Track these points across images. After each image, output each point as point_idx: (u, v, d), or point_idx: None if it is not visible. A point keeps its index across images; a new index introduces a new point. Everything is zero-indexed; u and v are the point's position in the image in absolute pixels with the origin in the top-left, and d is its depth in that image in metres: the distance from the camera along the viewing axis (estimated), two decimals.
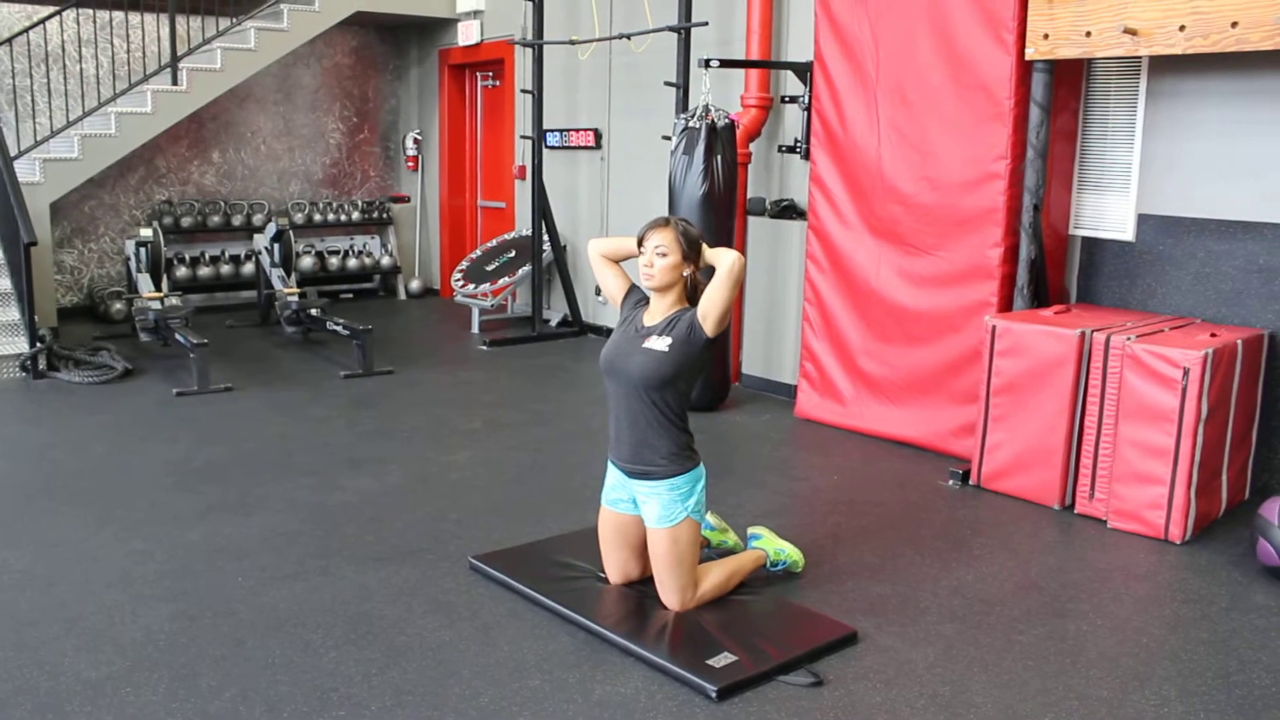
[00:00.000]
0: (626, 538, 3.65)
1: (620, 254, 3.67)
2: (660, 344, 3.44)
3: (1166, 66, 5.00)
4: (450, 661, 3.22)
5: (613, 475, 3.63)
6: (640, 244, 3.51)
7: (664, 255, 3.45)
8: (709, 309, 3.39)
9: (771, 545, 3.87)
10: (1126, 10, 4.51)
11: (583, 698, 3.02)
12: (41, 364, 6.80)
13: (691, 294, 3.55)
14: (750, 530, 3.99)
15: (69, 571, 3.83)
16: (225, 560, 3.96)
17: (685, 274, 3.51)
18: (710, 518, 3.98)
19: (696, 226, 3.61)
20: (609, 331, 8.27)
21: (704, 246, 3.53)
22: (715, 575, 3.61)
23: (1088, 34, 4.65)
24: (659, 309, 3.53)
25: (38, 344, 6.81)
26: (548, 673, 3.15)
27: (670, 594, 3.51)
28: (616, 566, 3.70)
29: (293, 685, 3.06)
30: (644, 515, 3.53)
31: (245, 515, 4.43)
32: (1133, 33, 4.49)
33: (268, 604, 3.59)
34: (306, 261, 9.83)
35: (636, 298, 3.65)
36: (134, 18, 8.90)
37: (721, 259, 3.41)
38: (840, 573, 3.95)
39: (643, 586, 3.67)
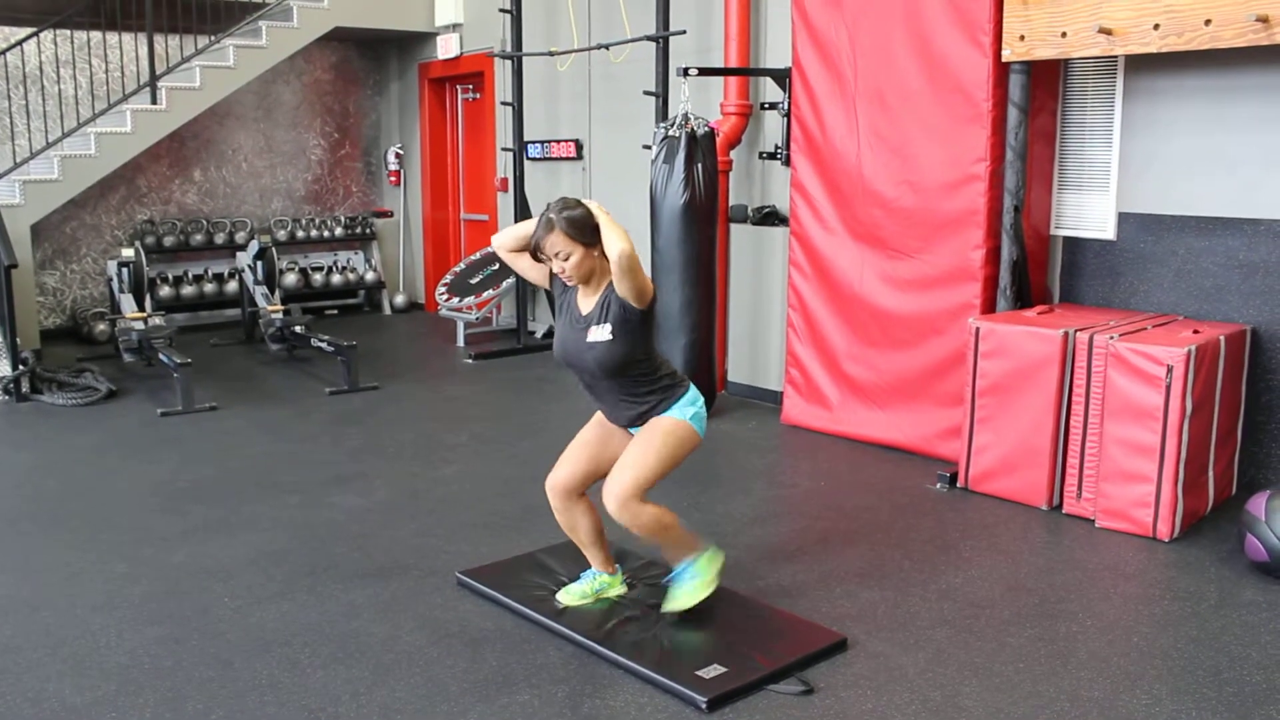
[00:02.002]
0: (606, 445, 3.55)
1: (524, 240, 3.49)
2: (603, 333, 3.37)
3: (1142, 65, 5.02)
4: (439, 678, 3.20)
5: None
6: (537, 252, 3.38)
7: (567, 258, 3.34)
8: (625, 295, 3.31)
9: (705, 562, 3.56)
10: (1101, 10, 4.53)
11: (571, 712, 3.00)
12: (24, 387, 6.76)
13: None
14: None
15: (53, 595, 3.80)
16: (211, 581, 3.93)
17: (596, 254, 3.37)
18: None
19: (578, 201, 3.38)
20: None
21: (596, 217, 3.34)
22: (661, 510, 3.43)
23: (1063, 34, 4.67)
24: (589, 290, 3.45)
25: (20, 367, 6.77)
26: (536, 687, 3.14)
27: (623, 478, 3.35)
28: (570, 468, 3.56)
29: (280, 706, 3.03)
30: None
31: (231, 535, 4.40)
32: (1108, 32, 4.51)
33: (254, 624, 3.56)
34: (290, 278, 9.80)
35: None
36: (112, 37, 8.87)
37: (609, 250, 3.25)
38: (829, 579, 3.94)
39: (643, 596, 3.62)
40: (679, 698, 3.06)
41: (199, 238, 9.60)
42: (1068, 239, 5.43)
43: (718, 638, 3.39)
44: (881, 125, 5.51)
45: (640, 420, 3.47)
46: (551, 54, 7.73)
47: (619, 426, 3.55)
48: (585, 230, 3.33)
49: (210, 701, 3.06)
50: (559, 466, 3.60)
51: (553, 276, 3.54)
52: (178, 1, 8.56)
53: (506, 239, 3.56)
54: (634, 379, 3.42)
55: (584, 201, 3.40)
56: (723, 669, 3.16)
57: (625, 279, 3.26)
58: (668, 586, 3.59)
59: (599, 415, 3.64)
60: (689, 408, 3.46)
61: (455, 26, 9.51)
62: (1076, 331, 4.58)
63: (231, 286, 9.54)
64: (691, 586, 3.52)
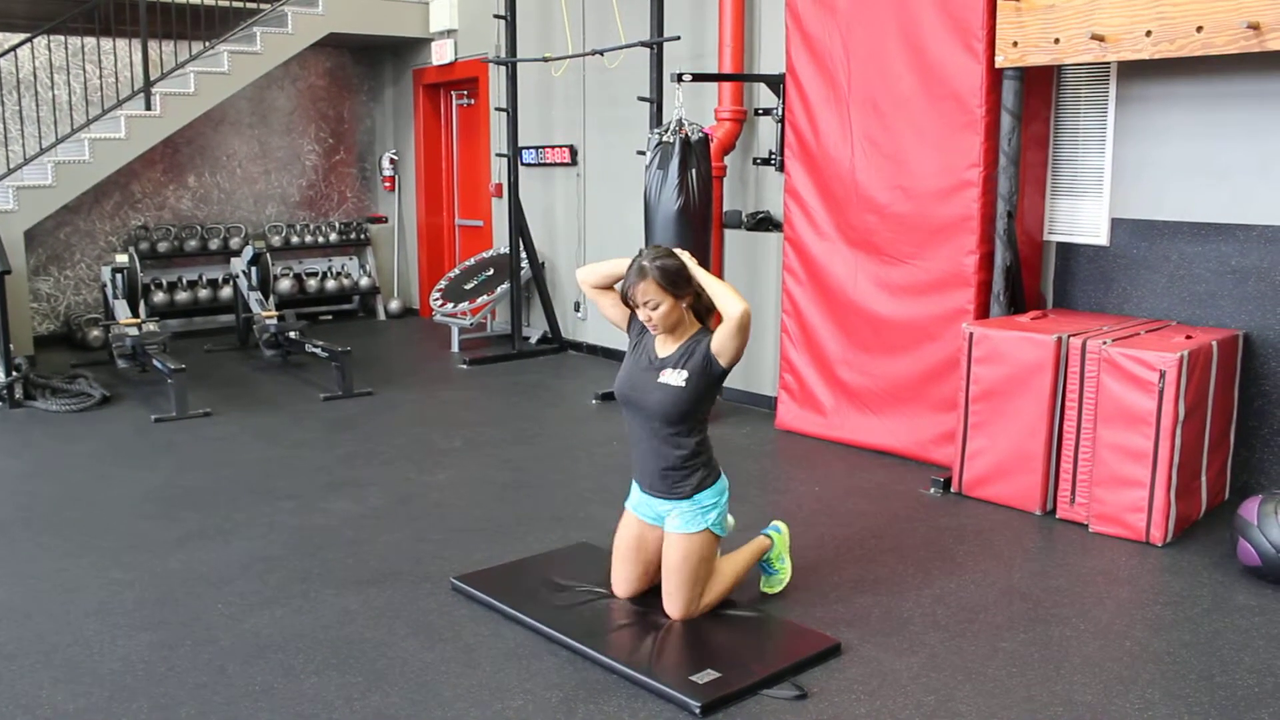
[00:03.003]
0: (644, 549, 3.63)
1: (610, 278, 3.58)
2: (677, 378, 3.42)
3: (1135, 72, 5.04)
4: (433, 684, 3.19)
5: (637, 493, 3.64)
6: (628, 299, 3.44)
7: (656, 307, 3.38)
8: (722, 352, 3.37)
9: (780, 546, 3.85)
10: (1094, 17, 4.54)
11: (565, 717, 3.00)
12: (18, 393, 6.75)
13: (698, 311, 3.51)
14: (773, 523, 3.94)
15: (46, 602, 3.79)
16: (205, 587, 3.92)
17: (684, 306, 3.45)
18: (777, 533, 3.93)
19: (670, 251, 3.46)
20: (589, 348, 8.36)
21: (690, 268, 3.42)
22: (720, 583, 3.60)
23: (1056, 41, 4.68)
24: (670, 338, 3.50)
25: (14, 373, 6.76)
26: (530, 693, 3.14)
27: (676, 604, 3.51)
28: (626, 579, 3.67)
29: (274, 712, 3.03)
30: (666, 524, 3.55)
31: (225, 541, 4.40)
32: (1100, 39, 4.53)
33: (248, 630, 3.56)
34: (284, 284, 9.80)
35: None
36: (106, 43, 8.87)
37: (728, 309, 3.32)
38: (823, 584, 3.94)
39: (642, 604, 3.65)
40: (673, 703, 3.06)
41: (193, 243, 9.60)
42: (1061, 244, 5.45)
43: (712, 643, 3.39)
44: (875, 131, 5.52)
45: (667, 491, 3.52)
46: (546, 60, 7.74)
47: (643, 516, 3.62)
48: (677, 281, 3.39)
49: (203, 707, 3.05)
50: (617, 585, 3.71)
51: (632, 318, 3.59)
52: (172, 7, 8.56)
53: (592, 276, 3.62)
54: (684, 436, 3.47)
55: (676, 252, 3.46)
56: (716, 674, 3.16)
57: (737, 337, 3.34)
58: (764, 573, 3.85)
59: (625, 518, 3.69)
60: (713, 512, 3.54)
61: (450, 33, 9.52)
62: (1070, 337, 4.59)
63: (226, 292, 9.53)
64: (778, 572, 3.83)
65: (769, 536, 3.84)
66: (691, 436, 3.49)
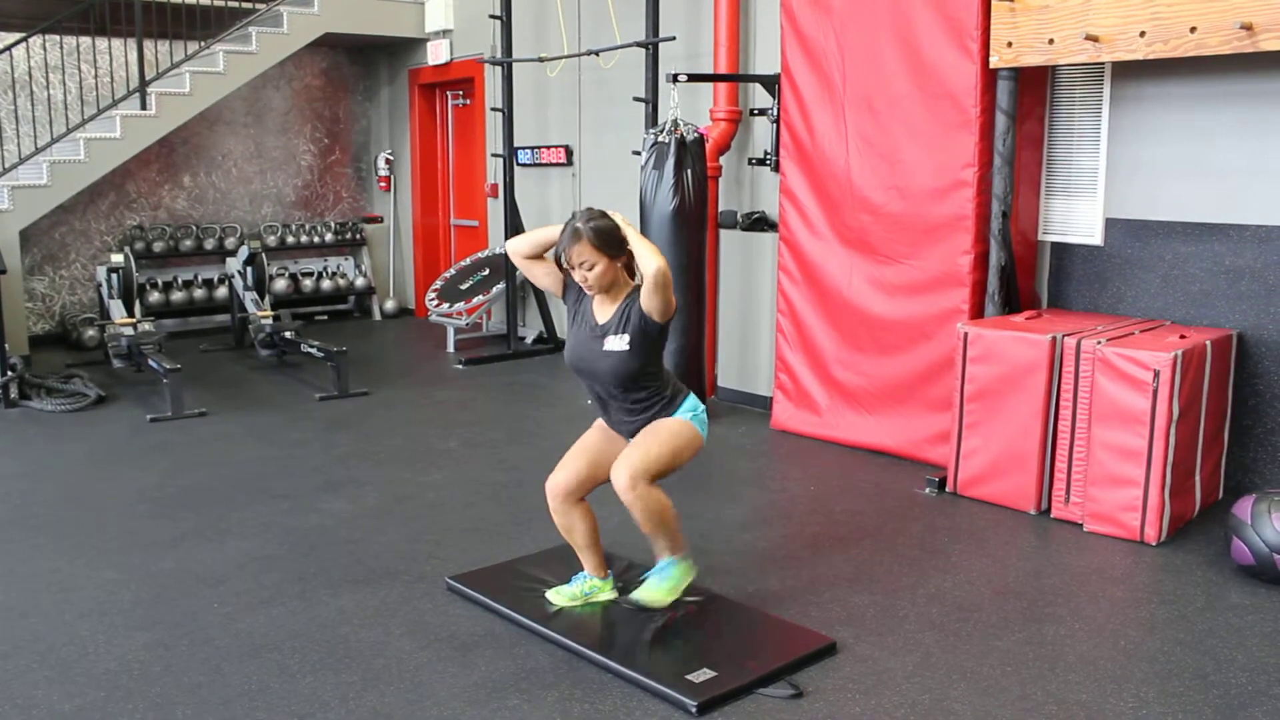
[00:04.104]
0: (601, 451, 3.58)
1: (541, 247, 3.57)
2: (620, 343, 3.42)
3: (1129, 72, 5.05)
4: (428, 683, 3.20)
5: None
6: (563, 261, 3.45)
7: (591, 268, 3.40)
8: (650, 310, 3.37)
9: (682, 577, 3.61)
10: (1088, 17, 4.55)
11: (561, 716, 3.01)
12: (13, 393, 6.74)
13: (630, 269, 3.50)
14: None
15: (41, 602, 3.79)
16: (201, 587, 3.92)
17: (618, 266, 3.45)
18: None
19: (603, 213, 3.45)
20: None
21: (623, 230, 3.42)
22: (667, 498, 3.47)
23: (1050, 41, 4.69)
24: (607, 300, 3.50)
25: (9, 372, 6.75)
26: (526, 692, 3.14)
27: (631, 459, 3.39)
28: (568, 469, 3.56)
29: (270, 712, 3.03)
30: None
31: (220, 541, 4.40)
32: (1095, 39, 4.54)
33: (244, 630, 3.56)
34: (280, 284, 9.79)
35: (578, 285, 3.54)
36: (101, 43, 8.86)
37: (645, 267, 3.33)
38: (818, 583, 3.95)
39: (640, 606, 3.58)
40: (669, 702, 3.07)
41: (189, 243, 9.59)
42: (1055, 244, 5.46)
43: (707, 642, 3.40)
44: (870, 131, 5.53)
45: (637, 426, 3.52)
46: (541, 60, 7.74)
47: (621, 435, 3.60)
48: (611, 242, 3.40)
49: (199, 707, 3.05)
50: (559, 469, 3.61)
51: (566, 284, 3.59)
52: (168, 7, 8.55)
53: (523, 245, 3.60)
54: (642, 390, 3.48)
55: (609, 213, 3.46)
56: (712, 673, 3.17)
57: (657, 294, 3.33)
58: (644, 579, 3.62)
59: (600, 422, 3.67)
60: (689, 412, 3.53)
61: (445, 33, 9.52)
62: (1064, 336, 4.60)
63: (221, 292, 9.52)
64: (665, 587, 3.56)
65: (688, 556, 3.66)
66: (651, 387, 3.49)
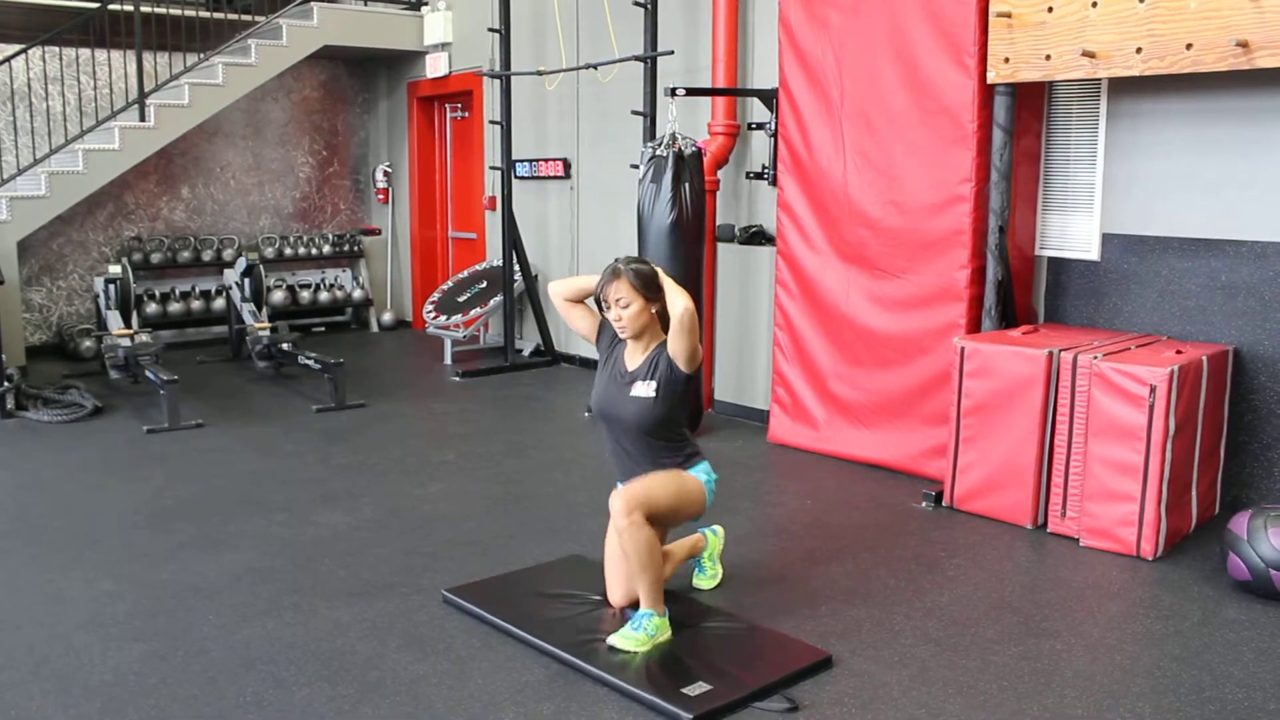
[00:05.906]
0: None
1: (581, 293, 3.74)
2: (647, 389, 3.53)
3: (1126, 88, 5.08)
4: (424, 696, 3.19)
5: None
6: (600, 300, 3.59)
7: (626, 306, 3.52)
8: (675, 355, 3.50)
9: (713, 547, 3.99)
10: (1084, 33, 4.58)
11: None
12: (10, 403, 6.73)
13: (665, 321, 3.60)
14: (713, 525, 4.09)
15: (37, 613, 3.78)
16: (196, 599, 3.92)
17: (653, 311, 3.58)
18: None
19: (645, 260, 3.66)
20: (582, 361, 8.37)
21: (660, 278, 3.58)
22: (660, 544, 3.54)
23: (1047, 57, 4.71)
24: (638, 348, 3.63)
25: (6, 383, 6.75)
26: (522, 705, 3.14)
27: (629, 490, 3.44)
28: (619, 585, 3.69)
29: None
30: None
31: (217, 553, 4.39)
32: (1091, 55, 4.56)
33: (240, 642, 3.55)
34: (277, 296, 9.79)
35: (612, 332, 3.70)
36: (101, 55, 8.87)
37: (673, 308, 3.46)
38: (815, 596, 3.95)
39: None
40: (665, 715, 3.06)
41: (186, 255, 9.60)
42: (1052, 259, 5.47)
43: (703, 655, 3.39)
44: (867, 146, 5.55)
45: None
46: (540, 73, 7.77)
47: None
48: (648, 284, 3.54)
49: (195, 719, 3.05)
50: (610, 590, 3.74)
51: (600, 330, 3.75)
52: (167, 19, 8.57)
53: (564, 288, 3.77)
54: (662, 440, 3.59)
55: (649, 262, 3.64)
56: (708, 686, 3.17)
57: (683, 337, 3.45)
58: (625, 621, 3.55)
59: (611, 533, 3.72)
60: (702, 474, 3.66)
61: (444, 46, 9.55)
62: (1061, 351, 4.61)
63: (219, 304, 9.53)
64: (638, 637, 3.43)
65: (705, 536, 3.98)
66: (672, 441, 3.62)
